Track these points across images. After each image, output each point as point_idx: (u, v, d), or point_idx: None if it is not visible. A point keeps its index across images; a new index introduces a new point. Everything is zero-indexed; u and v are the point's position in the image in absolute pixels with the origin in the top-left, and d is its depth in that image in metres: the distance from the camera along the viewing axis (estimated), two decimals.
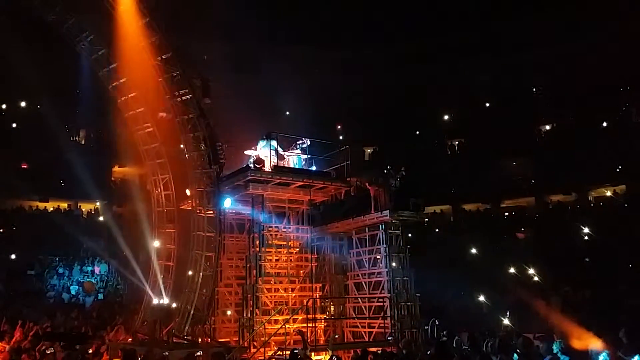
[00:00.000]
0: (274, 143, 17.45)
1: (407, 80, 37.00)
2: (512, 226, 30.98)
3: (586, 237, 26.27)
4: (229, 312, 18.68)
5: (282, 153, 17.94)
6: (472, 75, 36.73)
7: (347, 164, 18.14)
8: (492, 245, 26.57)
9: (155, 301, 18.14)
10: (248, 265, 17.50)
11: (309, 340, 14.72)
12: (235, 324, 17.89)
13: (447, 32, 36.47)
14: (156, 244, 19.25)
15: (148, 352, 8.90)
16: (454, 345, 11.50)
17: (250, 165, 16.97)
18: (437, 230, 31.37)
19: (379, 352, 12.53)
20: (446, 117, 40.67)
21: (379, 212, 16.60)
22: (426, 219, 24.99)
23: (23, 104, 36.02)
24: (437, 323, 11.91)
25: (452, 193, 35.15)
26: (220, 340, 16.66)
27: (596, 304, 19.80)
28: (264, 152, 17.45)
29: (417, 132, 39.50)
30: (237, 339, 16.78)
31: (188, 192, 18.51)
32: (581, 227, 26.18)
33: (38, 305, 21.74)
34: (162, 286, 18.40)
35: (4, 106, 36.14)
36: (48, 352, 12.60)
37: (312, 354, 14.49)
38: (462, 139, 38.74)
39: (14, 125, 34.81)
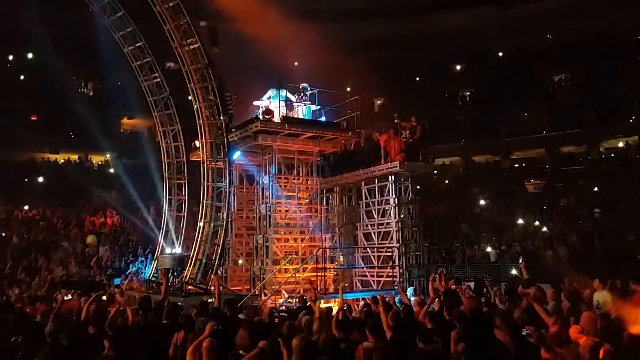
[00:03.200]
0: (283, 93, 17.28)
1: (417, 31, 36.22)
2: (522, 177, 30.89)
3: (596, 189, 26.20)
4: (240, 262, 19.00)
5: (292, 103, 17.79)
6: (484, 24, 35.86)
7: (356, 115, 17.99)
8: (502, 196, 26.57)
9: (167, 251, 18.44)
10: (258, 215, 17.66)
11: (318, 288, 14.96)
12: (247, 273, 18.23)
13: None
14: (167, 194, 19.43)
15: (162, 299, 9.10)
16: (463, 293, 11.61)
17: (259, 116, 16.87)
18: (446, 181, 31.36)
19: (387, 299, 12.69)
20: (457, 67, 39.99)
21: (389, 163, 16.56)
22: (436, 170, 25.02)
23: (30, 55, 35.72)
24: (445, 272, 12.01)
25: (462, 144, 34.96)
26: (232, 288, 16.98)
27: (604, 254, 19.90)
28: (273, 102, 17.31)
29: (428, 83, 38.93)
30: (249, 287, 17.12)
31: (197, 143, 18.51)
32: (592, 178, 26.05)
33: (53, 255, 22.15)
34: (174, 236, 18.67)
35: (10, 57, 35.86)
36: (66, 298, 12.90)
37: (322, 301, 14.72)
38: (473, 89, 38.22)
39: (22, 77, 34.66)
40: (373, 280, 17.02)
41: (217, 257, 16.63)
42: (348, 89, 31.86)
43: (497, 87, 34.93)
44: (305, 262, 16.71)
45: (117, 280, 19.45)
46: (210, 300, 12.50)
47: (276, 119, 16.95)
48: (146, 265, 20.47)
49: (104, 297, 14.06)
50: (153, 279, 17.56)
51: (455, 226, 22.16)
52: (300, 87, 18.03)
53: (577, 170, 29.33)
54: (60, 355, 6.93)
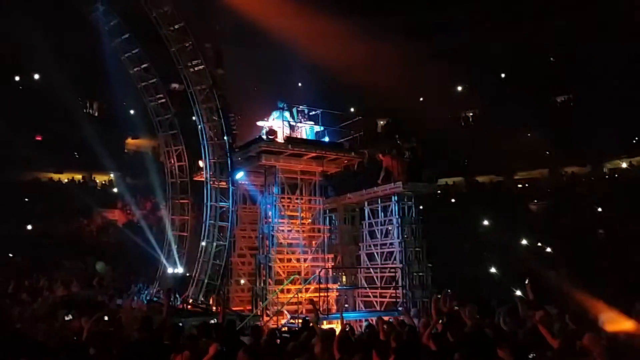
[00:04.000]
0: (286, 114, 17.39)
1: (420, 52, 36.48)
2: (525, 198, 30.82)
3: (600, 209, 26.11)
4: (242, 282, 18.95)
5: (295, 124, 17.89)
6: (486, 45, 36.11)
7: (359, 136, 18.08)
8: (505, 216, 26.49)
9: (170, 270, 18.39)
10: (261, 235, 17.65)
11: (320, 309, 14.89)
12: (249, 293, 18.17)
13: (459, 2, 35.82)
14: (170, 214, 19.47)
15: (164, 319, 9.07)
16: (466, 315, 11.54)
17: (262, 136, 16.95)
18: (450, 201, 31.30)
19: (390, 320, 12.63)
20: (459, 88, 40.19)
21: (392, 184, 16.63)
22: (439, 191, 25.02)
23: (37, 76, 36.08)
24: (450, 292, 11.93)
25: (465, 165, 34.96)
26: (234, 308, 16.91)
27: (609, 274, 19.75)
28: (277, 123, 17.41)
29: (431, 104, 39.06)
30: (251, 307, 17.05)
31: (201, 163, 18.58)
32: (595, 199, 26.00)
33: (55, 275, 22.09)
34: (176, 256, 18.67)
35: (17, 78, 36.23)
36: (66, 318, 12.85)
37: (324, 322, 14.65)
38: (476, 110, 38.35)
39: (28, 97, 34.94)
40: (376, 301, 16.95)
41: (219, 277, 16.59)
42: (352, 109, 32.05)
43: (500, 108, 35.03)
44: (307, 282, 16.65)
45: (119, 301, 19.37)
46: (212, 321, 12.46)
47: (279, 139, 17.04)
48: (148, 285, 20.40)
49: (106, 318, 14.03)
50: (155, 299, 17.49)
51: (458, 245, 22.10)
52: (299, 108, 18.17)
53: (580, 191, 29.25)
54: None
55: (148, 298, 17.97)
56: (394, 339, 7.71)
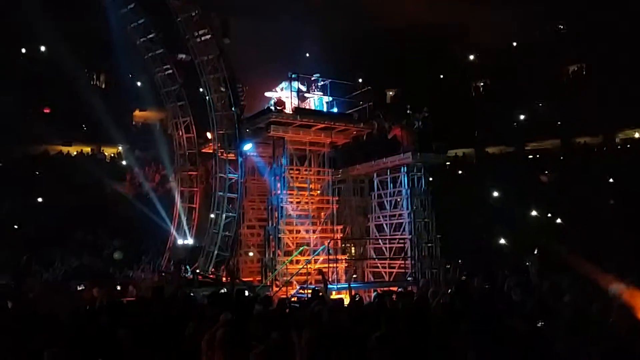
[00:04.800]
0: (295, 84, 17.28)
1: (431, 21, 35.93)
2: (536, 169, 30.61)
3: (611, 180, 25.92)
4: (251, 254, 19.15)
5: (304, 94, 17.80)
6: (498, 14, 35.47)
7: (369, 106, 17.98)
8: (515, 188, 26.37)
9: (179, 242, 18.62)
10: (270, 207, 17.74)
11: (329, 279, 15.04)
12: (258, 264, 18.37)
13: None
14: (179, 186, 19.62)
15: (175, 290, 9.18)
16: (475, 284, 11.62)
17: (271, 107, 16.90)
18: (459, 172, 31.18)
19: (399, 290, 12.75)
20: (471, 57, 39.65)
21: (402, 154, 16.60)
22: (449, 162, 24.93)
23: (43, 48, 35.94)
24: (459, 262, 12.04)
25: (475, 136, 34.71)
26: (243, 279, 17.11)
27: (621, 245, 19.71)
28: (285, 93, 17.33)
29: (441, 74, 38.64)
30: (260, 278, 17.24)
31: (209, 134, 18.59)
32: (607, 169, 25.81)
33: (66, 246, 22.38)
34: (186, 227, 18.87)
35: (23, 50, 36.10)
36: (79, 288, 13.07)
37: (333, 292, 14.82)
38: (487, 80, 37.89)
39: (35, 69, 34.87)
40: (385, 272, 17.10)
41: (229, 248, 16.75)
42: (360, 80, 31.81)
43: (512, 79, 34.59)
44: (316, 253, 16.78)
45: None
46: (222, 290, 12.61)
47: (288, 110, 16.99)
48: (157, 257, 20.65)
49: (118, 288, 14.26)
50: (165, 271, 17.71)
51: (468, 216, 22.08)
52: (312, 78, 18.02)
53: (592, 162, 29.00)
54: (75, 343, 7.01)
55: (159, 269, 18.21)
56: (402, 307, 7.77)
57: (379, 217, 17.91)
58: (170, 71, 19.16)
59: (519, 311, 7.43)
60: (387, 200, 17.62)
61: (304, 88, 17.79)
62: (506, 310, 7.21)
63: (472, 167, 32.90)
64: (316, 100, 18.09)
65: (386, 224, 17.47)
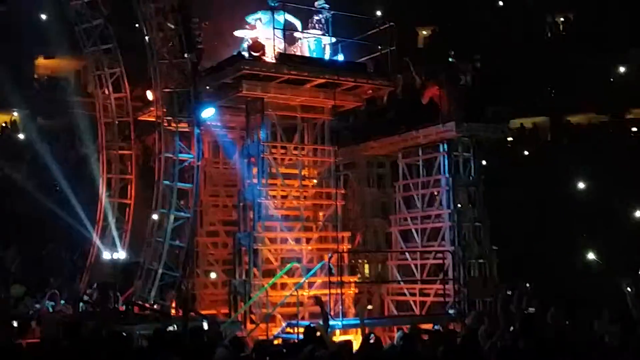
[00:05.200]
0: (280, 18, 17.21)
1: None
2: None
3: None
4: (213, 274, 19.15)
5: (294, 33, 17.74)
6: None
7: (391, 52, 17.93)
8: (612, 175, 26.38)
9: (106, 255, 18.62)
10: (242, 204, 17.72)
11: (331, 312, 15.10)
12: (224, 290, 18.35)
13: None
14: (105, 172, 19.64)
15: (98, 326, 9.23)
16: (548, 320, 11.70)
17: (243, 54, 16.83)
18: (526, 152, 31.22)
19: (436, 329, 12.82)
20: None
21: (440, 125, 16.60)
22: (511, 137, 24.93)
23: None
24: (527, 287, 12.12)
25: (551, 98, 34.70)
26: (201, 312, 17.15)
27: None
28: (265, 32, 17.25)
29: (500, 1, 38.50)
30: (228, 310, 17.28)
31: (150, 94, 18.54)
32: None
33: None
34: (115, 234, 18.85)
35: None
36: None
37: (337, 331, 14.88)
38: (571, 14, 37.81)
39: None
40: (414, 301, 17.16)
41: (180, 266, 16.76)
42: (379, 13, 31.76)
43: (609, 12, 34.45)
44: (311, 273, 16.82)
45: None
46: (170, 328, 12.66)
47: (269, 57, 16.92)
48: (73, 277, 20.70)
49: (14, 324, 14.32)
50: (85, 298, 17.75)
51: (539, 219, 22.11)
52: (315, 5, 17.95)
53: None
54: None
55: (75, 296, 18.20)
56: (442, 354, 7.84)
57: (405, 220, 17.94)
58: None
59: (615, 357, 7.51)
60: (417, 195, 17.65)
61: (295, 22, 17.70)
62: (596, 359, 7.28)
63: (546, 145, 32.95)
64: (312, 43, 18.01)
65: (416, 230, 17.50)
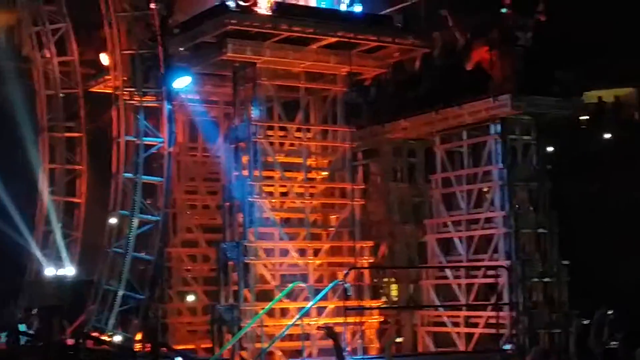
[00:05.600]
0: None
1: None
2: None
3: None
4: (191, 297, 19.24)
5: None
6: None
7: (424, 3, 17.96)
8: None
9: (49, 271, 18.65)
10: (228, 204, 17.77)
11: (348, 348, 15.14)
12: (205, 318, 18.43)
13: None
14: (47, 161, 19.67)
15: None
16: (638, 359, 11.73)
17: (228, 3, 16.81)
18: (606, 136, 31.22)
19: None
20: None
21: (491, 99, 16.58)
22: (586, 115, 24.88)
23: None
24: (609, 314, 12.09)
25: (638, 63, 34.67)
26: (175, 347, 17.22)
27: None
28: None
29: None
30: (211, 344, 17.34)
31: (105, 58, 18.58)
32: None
33: None
34: (61, 243, 18.86)
35: None
36: None
37: None
38: None
39: None
40: (458, 333, 17.16)
41: (147, 286, 16.79)
42: None
43: None
44: (321, 296, 16.86)
45: None
46: None
47: (262, 8, 16.89)
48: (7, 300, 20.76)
49: None
50: (21, 327, 17.79)
51: (624, 226, 21.99)
52: None
53: None
54: None
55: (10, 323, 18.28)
56: None
57: (445, 225, 17.89)
58: None
59: None
60: (461, 192, 17.60)
61: None
62: None
63: (633, 126, 32.92)
64: None
65: (460, 239, 17.44)
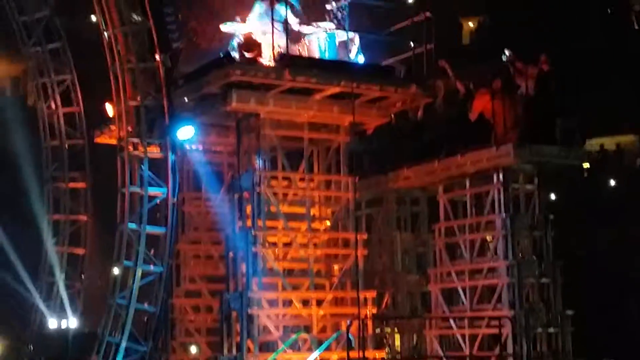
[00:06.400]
0: (280, 8, 17.24)
1: None
2: None
3: None
4: (194, 348, 19.13)
5: (299, 28, 17.80)
6: None
7: (427, 51, 17.96)
8: None
9: (52, 323, 18.54)
10: (231, 255, 17.70)
11: None
12: None
13: None
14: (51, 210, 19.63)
15: None
16: None
17: (232, 54, 16.87)
18: (610, 183, 31.19)
19: None
20: None
21: (493, 147, 16.55)
22: (587, 163, 24.85)
23: None
24: None
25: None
26: None
27: None
28: (261, 26, 17.31)
29: None
30: None
31: (110, 109, 18.61)
32: None
33: None
34: (64, 295, 18.77)
35: None
36: None
37: None
38: None
39: None
40: None
41: (151, 337, 16.68)
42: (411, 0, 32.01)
43: None
44: (325, 346, 16.72)
45: None
46: None
47: (266, 59, 16.94)
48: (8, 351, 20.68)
49: None
50: None
51: (630, 274, 21.91)
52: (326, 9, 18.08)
53: None
54: None
55: None
56: None
57: (449, 275, 17.78)
58: None
59: None
60: (465, 241, 17.52)
61: (294, 17, 17.73)
62: None
63: (636, 171, 32.87)
64: (322, 41, 18.07)
65: (464, 289, 17.34)
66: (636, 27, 38.37)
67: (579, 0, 37.65)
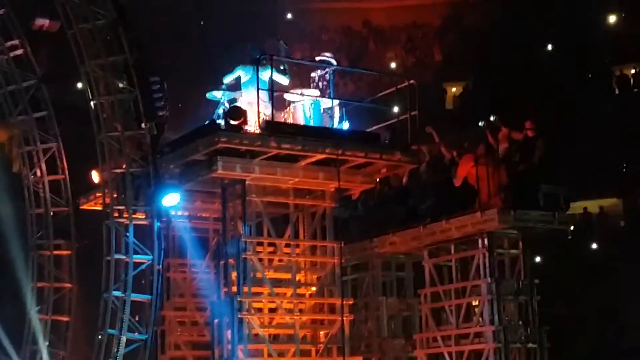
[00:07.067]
0: (265, 75, 17.36)
1: None
2: None
3: None
4: None
5: (284, 95, 17.90)
6: None
7: (411, 117, 18.06)
8: None
9: None
10: (216, 321, 17.59)
11: None
12: None
13: None
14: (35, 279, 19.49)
15: None
16: None
17: (218, 122, 16.93)
18: (593, 247, 31.19)
19: None
20: (611, 20, 40.17)
21: (478, 213, 16.59)
22: (571, 226, 24.88)
23: None
24: None
25: (623, 173, 34.81)
26: None
27: None
28: (248, 94, 17.40)
29: (551, 54, 39.06)
30: None
31: (95, 176, 18.60)
32: None
33: None
34: None
35: None
36: None
37: None
38: None
39: None
40: None
41: None
42: (393, 64, 32.27)
43: None
44: None
45: None
46: None
47: (251, 126, 16.99)
48: None
49: None
50: None
51: (620, 341, 21.82)
52: (318, 59, 18.12)
53: None
54: None
55: None
56: None
57: (435, 340, 17.66)
58: (20, 51, 19.27)
59: None
60: (450, 306, 17.44)
61: (283, 79, 17.84)
62: None
63: (620, 235, 32.88)
64: (308, 108, 18.15)
65: (450, 354, 17.19)
66: (616, 92, 38.67)
67: (562, 65, 38.13)
